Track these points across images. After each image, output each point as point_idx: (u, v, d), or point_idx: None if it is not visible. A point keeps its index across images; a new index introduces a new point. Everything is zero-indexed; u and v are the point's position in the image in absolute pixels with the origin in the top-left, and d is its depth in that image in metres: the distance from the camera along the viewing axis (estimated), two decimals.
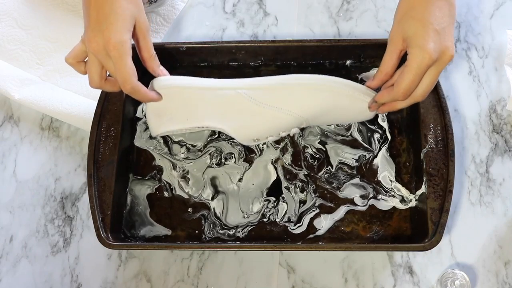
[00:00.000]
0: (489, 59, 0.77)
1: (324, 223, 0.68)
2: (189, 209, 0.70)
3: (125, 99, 0.70)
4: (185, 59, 0.75)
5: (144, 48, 0.64)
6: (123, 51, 0.58)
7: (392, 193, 0.68)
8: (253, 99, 0.65)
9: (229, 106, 0.65)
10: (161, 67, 0.67)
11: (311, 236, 0.67)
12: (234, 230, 0.68)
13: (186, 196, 0.70)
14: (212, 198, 0.69)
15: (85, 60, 0.62)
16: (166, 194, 0.70)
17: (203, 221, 0.69)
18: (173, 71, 0.76)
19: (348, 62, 0.74)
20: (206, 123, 0.66)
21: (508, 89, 0.75)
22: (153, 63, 0.65)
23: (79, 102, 0.74)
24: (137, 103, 0.74)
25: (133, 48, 0.61)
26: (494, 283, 0.67)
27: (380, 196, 0.68)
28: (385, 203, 0.68)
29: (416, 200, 0.67)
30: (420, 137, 0.67)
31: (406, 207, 0.68)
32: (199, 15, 0.82)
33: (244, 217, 0.69)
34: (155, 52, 0.65)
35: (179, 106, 0.66)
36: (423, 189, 0.66)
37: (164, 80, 0.66)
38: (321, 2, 0.82)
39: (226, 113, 0.66)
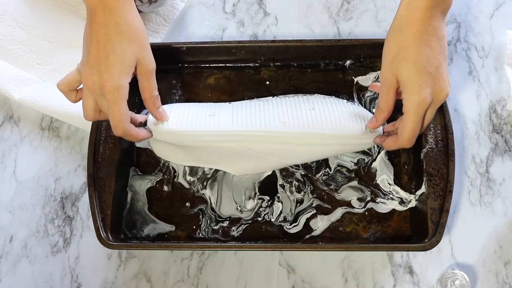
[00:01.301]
0: (489, 59, 0.77)
1: (320, 224, 0.68)
2: (187, 204, 0.70)
3: None
4: (185, 59, 0.75)
5: (146, 89, 0.61)
6: (118, 96, 0.57)
7: (391, 195, 0.68)
8: (256, 151, 0.65)
9: (232, 154, 0.66)
10: (160, 109, 0.64)
11: (308, 236, 0.67)
12: (228, 225, 0.68)
13: (186, 185, 0.70)
14: (207, 182, 0.70)
15: (77, 88, 0.61)
16: (165, 188, 0.70)
17: (200, 216, 0.69)
18: (173, 71, 0.76)
19: (348, 62, 0.74)
20: (210, 165, 0.69)
21: (508, 89, 0.75)
22: (152, 105, 0.62)
23: (79, 102, 0.74)
24: (137, 105, 0.74)
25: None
26: (494, 283, 0.67)
27: (378, 199, 0.68)
28: (384, 206, 0.68)
29: (416, 200, 0.67)
30: (420, 137, 0.67)
31: (406, 208, 0.68)
32: (199, 15, 0.82)
33: (237, 209, 0.69)
34: (157, 93, 0.63)
35: (182, 149, 0.67)
36: (423, 189, 0.66)
37: (160, 128, 0.64)
38: (321, 2, 0.82)
39: (230, 159, 0.67)
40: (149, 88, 0.61)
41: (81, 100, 0.60)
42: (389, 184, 0.69)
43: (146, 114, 0.66)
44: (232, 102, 0.70)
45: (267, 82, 0.75)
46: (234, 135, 0.64)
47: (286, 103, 0.67)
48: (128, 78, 0.58)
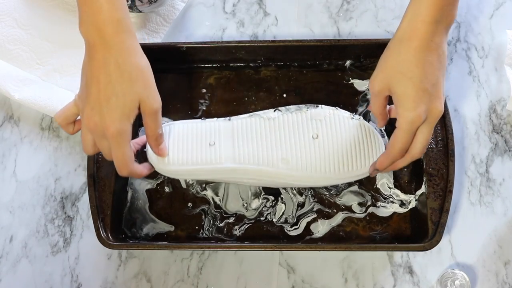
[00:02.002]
0: (489, 59, 0.77)
1: (321, 228, 0.68)
2: (189, 204, 0.70)
3: None
4: (185, 59, 0.75)
5: (150, 127, 0.59)
6: (122, 140, 0.56)
7: (391, 199, 0.68)
8: (258, 183, 0.67)
9: (234, 178, 0.66)
10: (162, 145, 0.62)
11: (308, 238, 0.67)
12: (232, 222, 0.68)
13: (184, 186, 0.70)
14: (205, 183, 0.70)
15: (76, 120, 0.60)
16: (167, 189, 0.70)
17: (203, 216, 0.69)
18: (173, 71, 0.76)
19: (348, 62, 0.74)
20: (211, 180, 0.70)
21: (508, 89, 0.75)
22: (155, 142, 0.61)
23: None
24: None
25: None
26: (494, 283, 0.67)
27: (379, 204, 0.68)
28: (384, 210, 0.68)
29: (416, 200, 0.67)
30: None
31: (406, 209, 0.68)
32: (199, 15, 0.82)
33: (243, 205, 0.69)
34: (161, 131, 0.61)
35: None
36: (423, 189, 0.66)
37: (161, 168, 0.64)
38: (321, 2, 0.82)
39: (233, 180, 0.67)
40: (153, 127, 0.59)
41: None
42: (389, 187, 0.69)
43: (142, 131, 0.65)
44: (232, 121, 0.67)
45: (267, 82, 0.75)
46: (236, 172, 0.64)
47: (289, 132, 0.65)
48: (131, 120, 0.56)
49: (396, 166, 0.61)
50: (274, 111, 0.67)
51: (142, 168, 0.62)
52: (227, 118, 0.67)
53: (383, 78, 0.57)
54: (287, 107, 0.67)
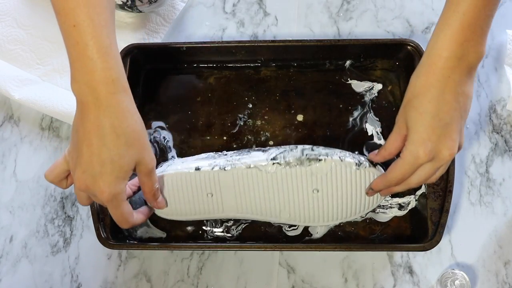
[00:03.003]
0: (489, 59, 0.77)
1: (319, 229, 0.68)
2: None
3: None
4: (185, 59, 0.75)
5: (147, 185, 0.58)
6: (118, 202, 0.54)
7: (389, 204, 0.68)
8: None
9: None
10: (159, 199, 0.62)
11: (307, 238, 0.67)
12: (229, 225, 0.68)
13: None
14: None
15: (68, 174, 0.58)
16: None
17: (205, 220, 0.69)
18: (173, 71, 0.76)
19: (348, 62, 0.74)
20: None
21: (508, 89, 0.75)
22: (152, 198, 0.60)
23: None
24: (137, 105, 0.74)
25: None
26: (494, 283, 0.67)
27: (378, 210, 0.68)
28: (384, 215, 0.68)
29: (415, 201, 0.67)
30: None
31: (406, 211, 0.67)
32: (199, 15, 0.82)
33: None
34: (158, 186, 0.60)
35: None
36: (422, 189, 0.66)
37: (160, 216, 0.66)
38: (321, 2, 0.82)
39: None
40: (150, 185, 0.58)
41: None
42: (387, 200, 0.68)
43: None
44: (230, 171, 0.63)
45: (267, 82, 0.75)
46: (238, 217, 0.66)
47: (289, 187, 0.63)
48: (127, 180, 0.55)
49: (391, 190, 0.61)
50: (273, 164, 0.63)
51: (142, 217, 0.61)
52: (222, 154, 0.66)
53: (402, 113, 0.56)
54: (287, 158, 0.63)
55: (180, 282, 0.69)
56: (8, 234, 0.72)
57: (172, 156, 0.71)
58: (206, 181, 0.64)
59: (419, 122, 0.54)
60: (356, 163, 0.62)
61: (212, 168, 0.63)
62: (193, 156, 0.68)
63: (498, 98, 0.75)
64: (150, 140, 0.72)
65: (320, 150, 0.63)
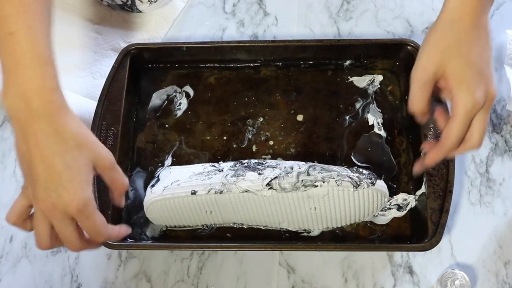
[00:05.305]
0: None
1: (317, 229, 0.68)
2: None
3: (125, 99, 0.70)
4: (185, 59, 0.75)
5: (115, 180, 0.55)
6: (89, 211, 0.50)
7: (388, 206, 0.67)
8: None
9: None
10: (119, 228, 0.57)
11: (305, 234, 0.67)
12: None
13: None
14: None
15: (30, 214, 0.54)
16: None
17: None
18: (173, 71, 0.76)
19: (348, 62, 0.74)
20: None
21: (508, 89, 0.75)
22: (122, 195, 0.57)
23: (79, 102, 0.74)
24: (137, 105, 0.74)
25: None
26: (494, 283, 0.67)
27: (377, 213, 0.68)
28: (383, 218, 0.68)
29: (415, 200, 0.67)
30: (420, 137, 0.67)
31: (405, 212, 0.67)
32: (199, 15, 0.82)
33: None
34: (127, 181, 0.56)
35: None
36: (423, 189, 0.66)
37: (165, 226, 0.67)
38: (321, 2, 0.82)
39: None
40: (118, 179, 0.55)
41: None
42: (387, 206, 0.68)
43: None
44: (227, 194, 0.63)
45: (267, 82, 0.75)
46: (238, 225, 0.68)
47: (286, 207, 0.63)
48: (91, 186, 0.51)
49: (448, 156, 0.57)
50: (269, 189, 0.62)
51: (119, 229, 0.57)
52: (218, 170, 0.65)
53: (437, 61, 0.53)
54: (282, 183, 0.62)
55: (180, 282, 0.69)
56: (8, 234, 0.72)
57: (167, 166, 0.71)
58: (204, 203, 0.63)
59: (469, 70, 0.52)
60: (354, 185, 0.61)
61: (208, 192, 0.63)
62: (188, 168, 0.67)
63: (498, 98, 0.75)
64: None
65: (316, 174, 0.62)
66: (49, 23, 0.51)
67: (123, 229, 0.57)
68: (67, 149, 0.49)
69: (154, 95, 0.75)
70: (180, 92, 0.75)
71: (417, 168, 0.61)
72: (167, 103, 0.74)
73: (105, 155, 0.53)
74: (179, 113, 0.74)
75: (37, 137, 0.48)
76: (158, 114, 0.74)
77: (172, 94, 0.75)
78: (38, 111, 0.48)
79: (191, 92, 0.74)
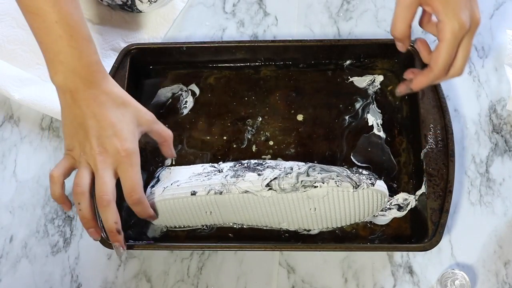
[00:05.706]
0: (489, 59, 0.77)
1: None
2: None
3: None
4: (185, 59, 0.75)
5: (162, 130, 0.63)
6: (135, 160, 0.58)
7: (388, 206, 0.67)
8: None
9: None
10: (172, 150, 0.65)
11: (305, 232, 0.67)
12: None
13: None
14: None
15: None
16: None
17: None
18: (173, 71, 0.76)
19: (348, 62, 0.74)
20: None
21: (508, 89, 0.75)
22: (168, 143, 0.64)
23: None
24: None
25: None
26: (494, 283, 0.67)
27: (377, 213, 0.68)
28: (383, 218, 0.67)
29: (416, 200, 0.67)
30: (420, 137, 0.67)
31: (405, 212, 0.67)
32: (199, 15, 0.82)
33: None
34: (170, 132, 0.64)
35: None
36: (423, 189, 0.66)
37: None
38: (321, 2, 0.82)
39: None
40: (162, 129, 0.63)
41: None
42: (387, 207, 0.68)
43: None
44: (226, 194, 0.63)
45: (267, 82, 0.75)
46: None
47: (285, 208, 0.63)
48: (137, 139, 0.60)
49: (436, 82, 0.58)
50: (268, 190, 0.62)
51: (149, 207, 0.61)
52: (217, 171, 0.66)
53: None
54: (281, 184, 0.62)
55: (180, 282, 0.69)
56: (8, 234, 0.72)
57: (167, 166, 0.70)
58: (204, 203, 0.63)
59: None
60: (353, 186, 0.61)
61: (208, 193, 0.63)
62: (187, 169, 0.67)
63: (498, 98, 0.75)
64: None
65: (316, 175, 0.62)
66: (80, 9, 0.59)
67: (152, 211, 0.62)
68: (115, 106, 0.58)
69: (159, 91, 0.75)
70: (186, 91, 0.75)
71: (401, 89, 0.61)
72: (172, 101, 0.74)
73: (146, 111, 0.62)
74: (185, 111, 0.74)
75: (88, 101, 0.57)
76: (161, 111, 0.74)
77: (177, 92, 0.75)
78: (90, 80, 0.57)
79: (197, 91, 0.75)
